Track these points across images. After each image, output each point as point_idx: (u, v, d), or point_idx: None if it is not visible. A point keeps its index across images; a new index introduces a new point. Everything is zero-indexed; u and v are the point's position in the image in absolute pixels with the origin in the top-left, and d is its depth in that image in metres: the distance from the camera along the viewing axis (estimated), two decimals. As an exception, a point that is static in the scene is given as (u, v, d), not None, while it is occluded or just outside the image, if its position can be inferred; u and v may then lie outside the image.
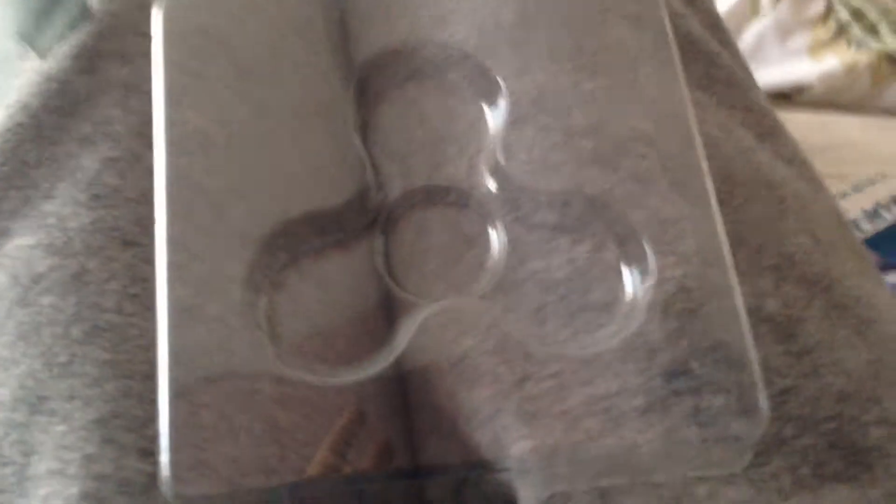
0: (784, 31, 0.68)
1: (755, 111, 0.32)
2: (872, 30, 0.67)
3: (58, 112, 0.28)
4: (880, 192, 0.63)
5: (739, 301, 0.25)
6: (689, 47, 0.32)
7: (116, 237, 0.26)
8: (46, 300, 0.26)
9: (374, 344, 0.27)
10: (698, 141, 0.27)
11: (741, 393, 0.24)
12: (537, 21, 0.30)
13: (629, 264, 0.27)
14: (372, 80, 0.30)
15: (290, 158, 0.28)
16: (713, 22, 0.35)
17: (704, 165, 0.26)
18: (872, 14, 0.67)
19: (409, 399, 0.28)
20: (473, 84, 0.30)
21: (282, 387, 0.25)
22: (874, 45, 0.66)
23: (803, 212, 0.29)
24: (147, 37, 0.28)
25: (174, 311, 0.24)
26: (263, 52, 0.29)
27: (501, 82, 0.28)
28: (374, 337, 0.28)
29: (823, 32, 0.68)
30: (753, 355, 0.24)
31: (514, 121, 0.28)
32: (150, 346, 0.25)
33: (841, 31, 0.68)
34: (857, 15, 0.67)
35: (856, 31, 0.67)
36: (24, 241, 0.26)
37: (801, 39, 0.68)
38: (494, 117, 0.29)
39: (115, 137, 0.28)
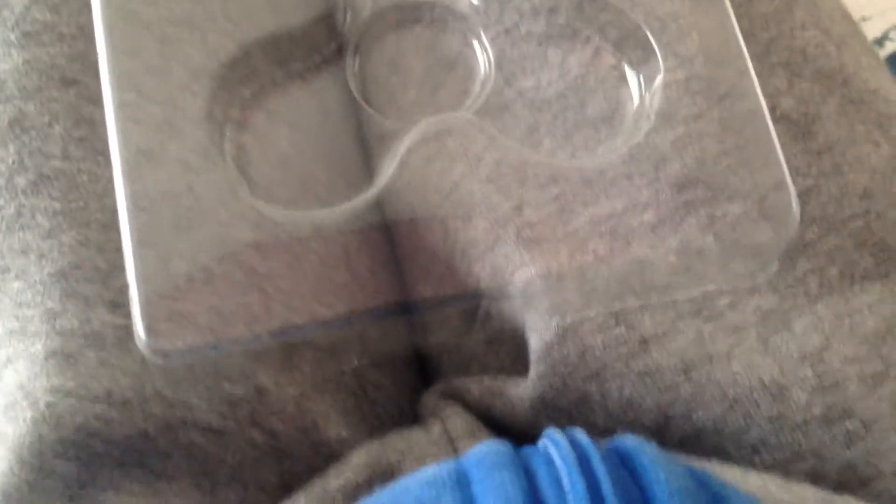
0: None
1: None
2: None
3: None
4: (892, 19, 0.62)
5: (759, 99, 0.23)
6: None
7: (55, 76, 0.23)
8: None
9: (354, 181, 0.25)
10: None
11: (762, 197, 0.22)
12: None
13: (632, 67, 0.24)
14: None
15: None
16: None
17: None
18: None
19: (397, 244, 0.26)
20: None
21: (258, 231, 0.22)
22: None
23: (811, 6, 0.26)
24: None
25: (130, 155, 0.21)
26: None
27: None
28: (354, 173, 0.25)
29: None
30: (780, 154, 0.22)
31: None
32: (106, 193, 0.23)
33: None
34: None
35: None
36: None
37: None
38: None
39: None
